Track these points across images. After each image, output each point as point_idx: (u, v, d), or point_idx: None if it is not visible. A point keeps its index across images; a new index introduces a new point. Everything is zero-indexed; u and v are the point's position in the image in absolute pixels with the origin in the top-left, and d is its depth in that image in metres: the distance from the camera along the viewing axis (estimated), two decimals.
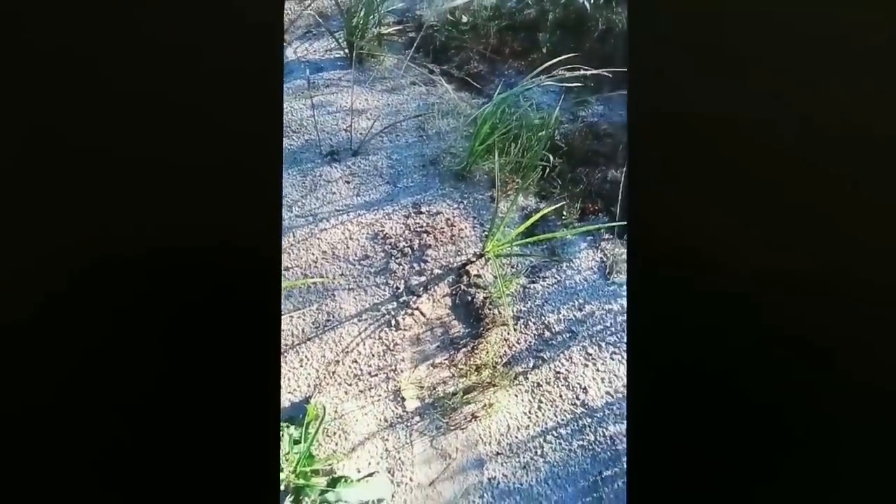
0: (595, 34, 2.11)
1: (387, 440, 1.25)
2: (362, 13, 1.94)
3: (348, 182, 1.66)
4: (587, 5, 2.07)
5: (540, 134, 1.65)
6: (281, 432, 1.15)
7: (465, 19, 2.15)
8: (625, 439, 1.29)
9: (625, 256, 1.56)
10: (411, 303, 1.44)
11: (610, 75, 1.71)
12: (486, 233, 1.55)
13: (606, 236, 1.59)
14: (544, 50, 2.06)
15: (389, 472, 1.21)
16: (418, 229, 1.56)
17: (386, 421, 1.27)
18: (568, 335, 1.43)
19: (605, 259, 1.55)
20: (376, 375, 1.34)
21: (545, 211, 1.56)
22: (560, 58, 1.66)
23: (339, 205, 1.60)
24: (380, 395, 1.31)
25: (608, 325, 1.45)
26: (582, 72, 1.62)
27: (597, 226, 1.57)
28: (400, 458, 1.23)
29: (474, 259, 1.53)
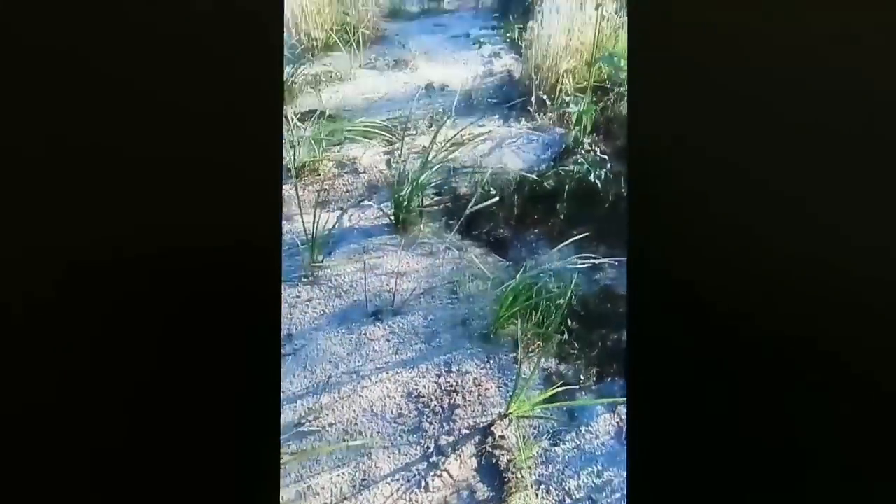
0: (606, 204, 2.44)
1: None
2: (407, 190, 2.33)
3: (388, 341, 1.88)
4: (598, 183, 2.41)
5: (558, 302, 1.86)
6: None
7: (492, 191, 2.52)
8: None
9: None
10: (440, 463, 1.56)
11: (617, 263, 1.95)
12: (510, 393, 1.70)
13: (623, 401, 1.71)
14: (561, 217, 2.38)
15: None
16: (448, 388, 1.73)
17: None
18: (587, 503, 1.50)
19: (622, 424, 1.66)
20: None
21: (556, 390, 1.71)
22: (575, 237, 1.94)
23: (379, 363, 1.81)
24: None
25: (626, 492, 1.51)
26: (591, 261, 1.88)
27: (613, 399, 1.71)
28: None
29: (498, 419, 1.66)
